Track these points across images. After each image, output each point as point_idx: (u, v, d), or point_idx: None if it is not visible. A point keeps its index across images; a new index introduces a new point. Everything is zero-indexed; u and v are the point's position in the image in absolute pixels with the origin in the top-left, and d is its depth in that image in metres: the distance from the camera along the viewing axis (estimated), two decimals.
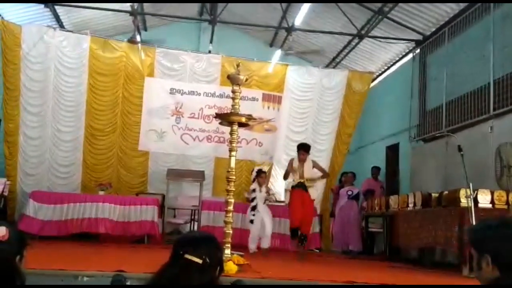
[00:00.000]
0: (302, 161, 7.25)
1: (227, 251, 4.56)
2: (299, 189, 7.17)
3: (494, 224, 1.80)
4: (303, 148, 7.36)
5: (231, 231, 4.71)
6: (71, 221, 7.53)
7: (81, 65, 8.96)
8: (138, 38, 9.51)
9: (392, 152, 10.73)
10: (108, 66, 9.16)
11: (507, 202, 5.69)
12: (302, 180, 7.17)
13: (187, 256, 1.74)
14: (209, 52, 10.42)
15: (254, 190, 7.32)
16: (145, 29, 11.58)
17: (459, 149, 5.74)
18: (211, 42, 10.93)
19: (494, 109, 7.04)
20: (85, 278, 3.47)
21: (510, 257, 1.69)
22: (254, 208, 7.22)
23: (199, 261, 1.73)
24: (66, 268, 3.72)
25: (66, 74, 8.91)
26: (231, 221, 4.75)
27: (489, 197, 5.70)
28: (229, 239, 4.66)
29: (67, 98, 8.90)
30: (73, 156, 8.97)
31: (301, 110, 9.90)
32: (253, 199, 7.26)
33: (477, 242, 1.80)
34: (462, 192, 5.61)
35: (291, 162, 7.43)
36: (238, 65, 5.00)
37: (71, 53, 8.96)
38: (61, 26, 9.96)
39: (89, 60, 8.98)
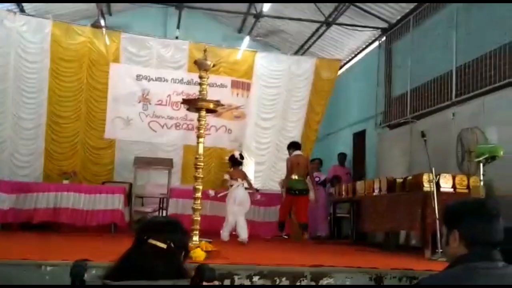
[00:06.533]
0: None
1: (195, 238, 4.55)
2: None
3: (469, 201, 1.86)
4: None
5: (199, 218, 4.70)
6: (34, 211, 7.32)
7: (43, 50, 8.69)
8: (102, 23, 9.26)
9: (359, 138, 10.90)
10: (71, 52, 8.91)
11: (468, 186, 5.87)
12: None
13: (151, 241, 1.71)
14: (176, 38, 10.26)
15: None
16: (110, 14, 11.27)
17: (422, 135, 5.89)
18: (178, 27, 10.76)
19: (456, 96, 7.23)
20: (48, 268, 3.39)
21: (478, 234, 1.75)
22: None
23: (164, 246, 1.71)
24: (28, 257, 3.63)
25: (27, 59, 8.62)
26: (200, 208, 4.73)
27: (450, 182, 5.87)
28: (198, 226, 4.65)
29: (28, 84, 8.61)
30: (35, 144, 8.70)
31: (270, 97, 9.91)
32: None
33: (449, 217, 1.85)
34: (425, 177, 5.76)
35: None
36: (205, 50, 4.94)
37: (32, 38, 8.66)
38: (22, 10, 9.58)
39: (51, 45, 8.71)
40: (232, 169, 7.20)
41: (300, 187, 7.74)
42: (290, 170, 7.82)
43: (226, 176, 7.11)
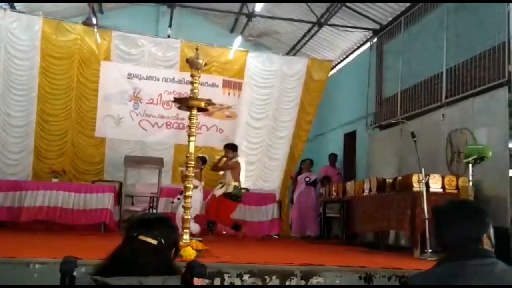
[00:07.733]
0: None
1: (186, 237, 4.54)
2: None
3: (434, 211, 1.90)
4: None
5: (189, 217, 4.69)
6: (23, 209, 7.26)
7: (33, 47, 8.60)
8: (93, 21, 9.20)
9: (350, 139, 10.95)
10: (62, 49, 8.83)
11: (457, 187, 5.94)
12: None
13: (141, 237, 1.71)
14: (168, 36, 10.23)
15: None
16: (101, 12, 11.21)
17: (412, 135, 5.93)
18: (170, 26, 10.73)
19: (446, 97, 7.29)
20: (37, 266, 3.36)
21: (445, 240, 1.79)
22: None
23: (154, 242, 1.71)
24: (17, 255, 3.60)
25: (17, 56, 8.54)
26: (190, 206, 4.72)
27: (440, 182, 5.93)
28: (188, 225, 4.64)
29: (18, 81, 8.52)
30: (24, 142, 8.62)
31: (261, 97, 9.91)
32: None
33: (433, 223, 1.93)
34: (415, 178, 5.81)
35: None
36: (197, 49, 4.93)
37: (22, 35, 8.58)
38: (12, 7, 9.49)
39: (41, 42, 8.62)
40: (198, 169, 7.13)
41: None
42: (239, 176, 7.61)
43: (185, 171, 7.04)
